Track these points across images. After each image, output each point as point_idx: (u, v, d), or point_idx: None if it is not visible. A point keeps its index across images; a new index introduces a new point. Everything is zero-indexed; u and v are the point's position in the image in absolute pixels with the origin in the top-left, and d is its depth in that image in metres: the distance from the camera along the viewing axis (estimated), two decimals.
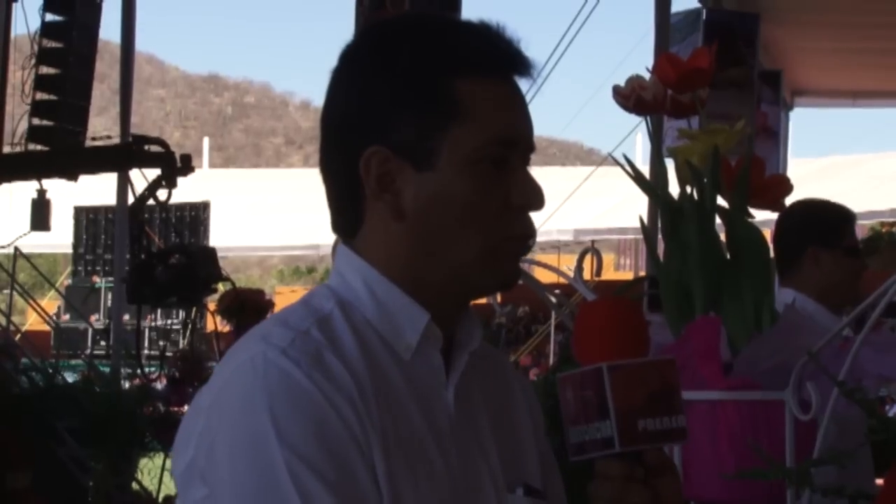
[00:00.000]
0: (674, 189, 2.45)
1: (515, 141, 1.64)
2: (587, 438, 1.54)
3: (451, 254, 1.62)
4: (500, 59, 1.65)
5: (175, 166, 7.81)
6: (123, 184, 9.03)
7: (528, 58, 1.66)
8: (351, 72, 1.66)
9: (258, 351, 1.56)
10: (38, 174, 9.62)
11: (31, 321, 21.04)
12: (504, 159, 1.63)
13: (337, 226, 1.70)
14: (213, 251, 7.45)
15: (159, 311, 18.53)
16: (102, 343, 17.03)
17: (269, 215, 28.01)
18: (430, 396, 1.64)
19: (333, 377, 1.54)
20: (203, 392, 1.61)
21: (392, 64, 1.62)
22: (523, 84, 1.67)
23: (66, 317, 21.19)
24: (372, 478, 1.54)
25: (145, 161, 8.09)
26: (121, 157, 8.64)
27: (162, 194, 7.66)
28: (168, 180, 7.67)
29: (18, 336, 12.60)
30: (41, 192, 10.20)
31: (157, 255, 7.37)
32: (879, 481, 2.40)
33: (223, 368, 1.60)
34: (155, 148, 8.14)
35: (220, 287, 7.21)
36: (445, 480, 1.62)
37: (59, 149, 9.51)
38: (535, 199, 1.65)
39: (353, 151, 1.62)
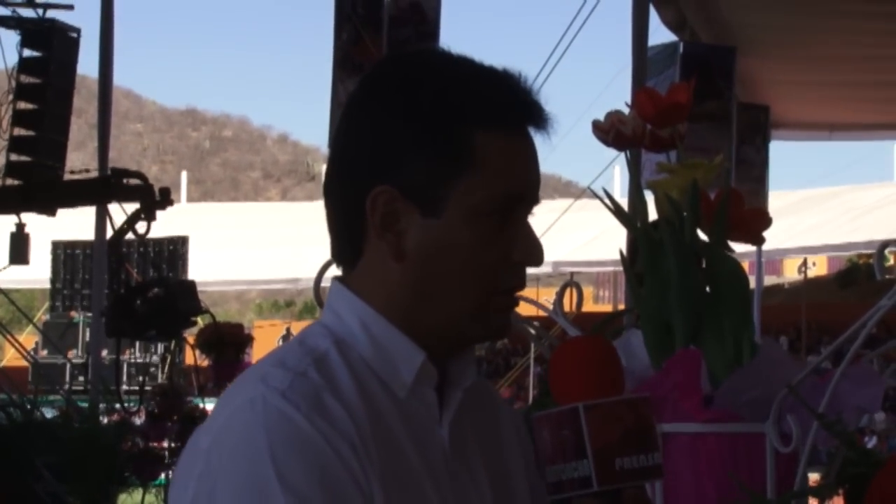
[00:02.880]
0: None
1: (524, 196, 1.64)
2: (564, 478, 1.54)
3: (446, 301, 1.61)
4: (521, 114, 1.64)
5: (154, 199, 7.80)
6: (102, 217, 8.99)
7: (547, 112, 1.66)
8: (368, 107, 1.65)
9: (257, 393, 1.55)
10: (17, 208, 9.59)
11: (9, 356, 20.94)
12: (510, 212, 1.62)
13: (336, 255, 1.70)
14: (192, 284, 7.43)
15: (138, 346, 18.49)
16: (80, 378, 16.94)
17: (248, 249, 27.97)
18: (425, 434, 1.64)
19: (333, 420, 1.54)
20: (201, 433, 1.60)
21: (412, 106, 1.61)
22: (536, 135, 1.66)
23: (44, 352, 21.08)
24: None
25: (124, 194, 8.06)
26: (100, 190, 8.61)
27: (141, 227, 7.64)
28: (147, 213, 7.65)
29: None
30: (20, 226, 10.17)
31: (137, 288, 7.35)
32: None
33: (221, 410, 1.59)
34: (134, 181, 8.12)
35: (200, 321, 7.18)
36: None
37: (37, 182, 9.49)
38: (535, 256, 1.65)
39: (360, 187, 1.61)
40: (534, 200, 1.66)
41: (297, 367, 1.58)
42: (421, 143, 1.60)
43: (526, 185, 1.65)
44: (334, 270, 1.83)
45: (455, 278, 1.61)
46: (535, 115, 1.65)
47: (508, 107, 1.63)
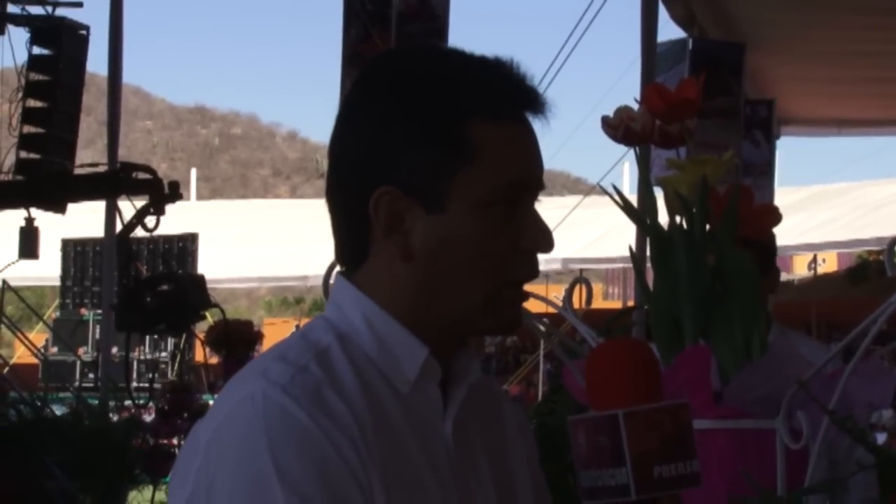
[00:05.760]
0: (662, 218, 2.45)
1: (527, 183, 1.63)
2: (600, 484, 1.51)
3: (456, 296, 1.61)
4: (516, 101, 1.63)
5: (163, 193, 7.79)
6: (111, 213, 8.99)
7: (543, 96, 1.65)
8: (364, 106, 1.64)
9: (258, 388, 1.55)
10: (26, 202, 9.59)
11: (20, 354, 20.96)
12: (515, 201, 1.61)
13: (340, 257, 1.69)
14: (201, 278, 7.42)
15: (147, 342, 18.49)
16: (91, 375, 16.97)
17: (257, 246, 27.94)
18: (429, 430, 1.63)
19: (334, 415, 1.53)
20: (201, 426, 1.59)
21: (407, 103, 1.60)
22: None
23: (55, 349, 21.10)
24: None
25: (133, 188, 8.05)
26: (109, 183, 8.60)
27: (150, 221, 7.63)
28: (156, 207, 7.64)
29: (6, 369, 12.56)
30: (29, 220, 10.17)
31: (146, 281, 7.34)
32: None
33: (222, 403, 1.58)
34: (143, 175, 8.11)
35: (209, 317, 7.19)
36: None
37: (46, 176, 9.49)
38: (544, 242, 1.64)
39: (362, 189, 1.60)
40: (538, 187, 1.66)
41: (298, 362, 1.58)
42: (418, 139, 1.59)
43: (528, 172, 1.64)
44: None
45: (464, 272, 1.60)
46: (530, 101, 1.64)
47: (502, 94, 1.62)
